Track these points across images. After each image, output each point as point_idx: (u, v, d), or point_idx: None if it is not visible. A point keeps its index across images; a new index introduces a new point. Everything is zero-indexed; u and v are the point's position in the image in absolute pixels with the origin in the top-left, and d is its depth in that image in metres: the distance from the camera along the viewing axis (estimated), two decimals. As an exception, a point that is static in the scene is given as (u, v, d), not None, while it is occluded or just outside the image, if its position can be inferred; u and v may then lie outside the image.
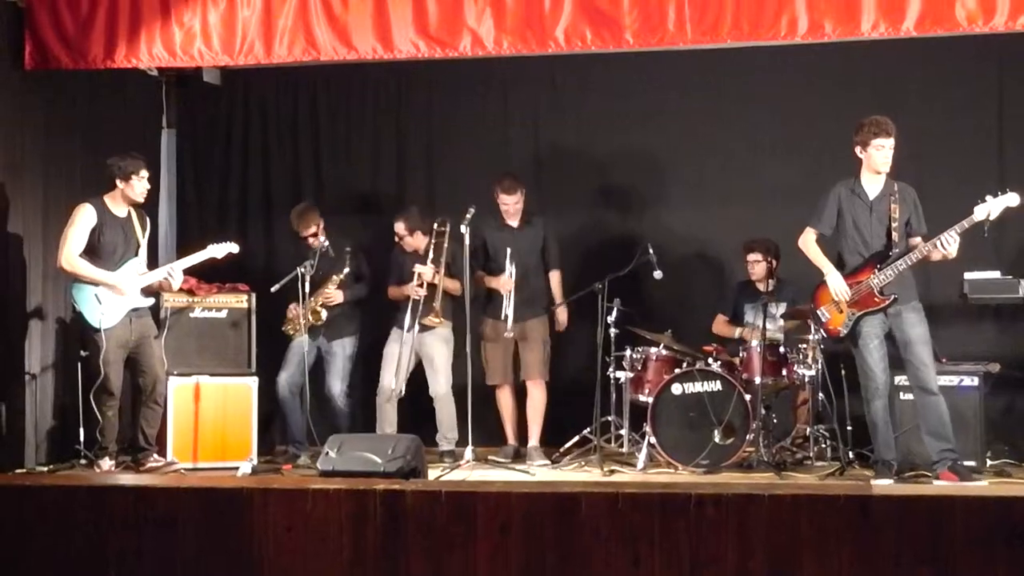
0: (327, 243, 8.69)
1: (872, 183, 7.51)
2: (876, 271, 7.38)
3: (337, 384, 8.90)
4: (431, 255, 8.76)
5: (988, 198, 7.24)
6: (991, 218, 7.22)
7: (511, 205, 8.77)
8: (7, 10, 8.29)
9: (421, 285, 8.73)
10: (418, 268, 8.76)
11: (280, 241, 9.73)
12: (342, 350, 8.92)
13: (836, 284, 7.46)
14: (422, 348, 8.86)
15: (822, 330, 7.66)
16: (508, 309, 8.63)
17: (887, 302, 7.36)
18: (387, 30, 7.97)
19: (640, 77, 9.52)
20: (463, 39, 7.92)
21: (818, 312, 7.61)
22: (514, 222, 8.86)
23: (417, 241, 8.88)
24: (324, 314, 8.69)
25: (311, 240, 8.81)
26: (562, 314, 8.88)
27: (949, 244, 7.26)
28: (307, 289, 8.52)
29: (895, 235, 7.41)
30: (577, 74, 9.61)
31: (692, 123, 9.59)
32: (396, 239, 8.97)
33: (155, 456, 8.18)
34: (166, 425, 8.39)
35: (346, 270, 8.72)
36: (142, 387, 8.16)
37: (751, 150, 9.48)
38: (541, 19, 7.82)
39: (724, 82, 9.46)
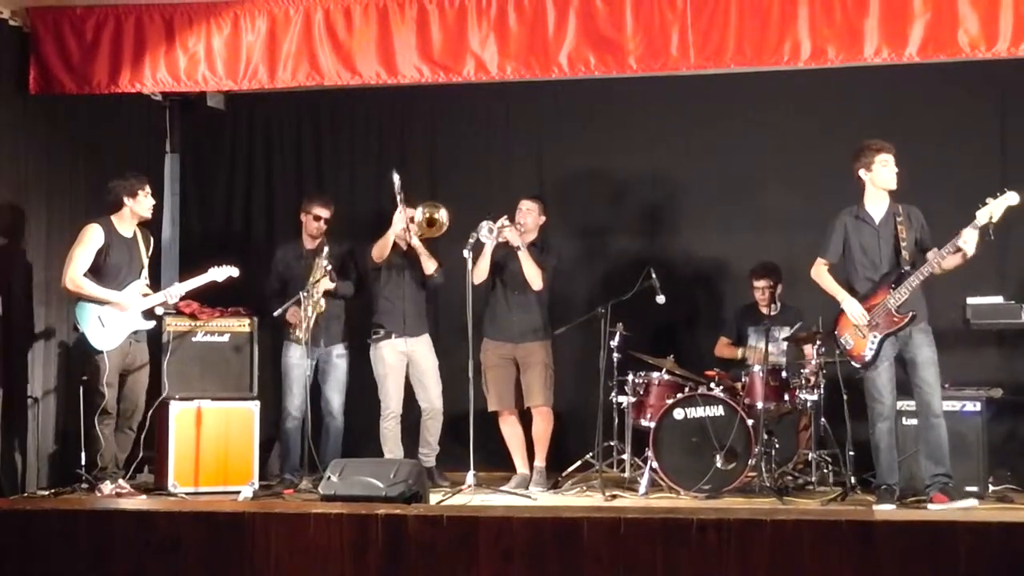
0: (329, 266, 8.62)
1: (877, 207, 7.51)
2: (891, 291, 7.37)
3: (336, 398, 8.83)
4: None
5: (988, 200, 7.22)
6: (994, 220, 7.20)
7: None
8: (12, 35, 8.33)
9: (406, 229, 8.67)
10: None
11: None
12: (342, 361, 8.87)
13: (853, 309, 7.45)
14: (412, 360, 8.78)
15: (848, 357, 7.62)
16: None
17: (906, 320, 7.34)
18: (391, 55, 8.00)
19: (643, 102, 9.56)
20: (467, 64, 7.95)
21: (841, 340, 7.59)
22: (529, 236, 8.70)
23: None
24: (323, 303, 8.58)
25: (320, 227, 8.83)
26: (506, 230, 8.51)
27: (967, 244, 7.19)
28: (310, 313, 8.50)
29: (906, 254, 7.40)
30: (580, 99, 9.63)
31: (694, 148, 9.62)
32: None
33: (120, 483, 8.05)
34: (167, 448, 8.39)
35: (325, 249, 8.61)
36: (121, 411, 8.10)
37: (753, 175, 9.49)
38: (545, 44, 7.84)
39: (726, 107, 9.49)
